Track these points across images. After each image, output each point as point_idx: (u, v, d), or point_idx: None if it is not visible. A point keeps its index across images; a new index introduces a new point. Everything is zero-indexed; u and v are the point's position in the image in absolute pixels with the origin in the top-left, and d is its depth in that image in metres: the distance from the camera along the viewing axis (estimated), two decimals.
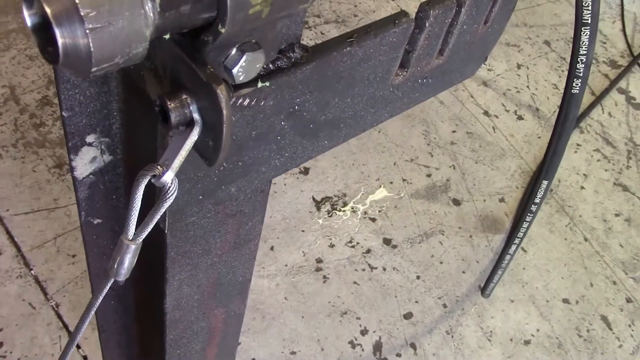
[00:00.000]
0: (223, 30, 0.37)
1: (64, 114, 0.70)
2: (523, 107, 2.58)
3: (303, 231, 1.99)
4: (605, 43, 2.98)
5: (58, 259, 1.77)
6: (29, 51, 2.26)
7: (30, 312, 1.66)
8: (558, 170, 2.41)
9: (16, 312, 1.65)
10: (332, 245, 1.98)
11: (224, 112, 0.40)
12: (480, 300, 1.96)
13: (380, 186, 2.17)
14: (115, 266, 0.45)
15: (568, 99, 0.99)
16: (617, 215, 2.29)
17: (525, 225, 1.59)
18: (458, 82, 0.75)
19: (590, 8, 0.76)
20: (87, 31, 0.32)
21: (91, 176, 0.79)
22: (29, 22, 0.34)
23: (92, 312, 0.48)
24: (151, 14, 0.34)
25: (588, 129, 2.58)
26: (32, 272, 1.74)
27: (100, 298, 0.46)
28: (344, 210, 2.08)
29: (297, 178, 2.12)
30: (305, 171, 2.15)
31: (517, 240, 1.69)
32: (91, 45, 0.32)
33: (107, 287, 0.46)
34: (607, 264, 2.14)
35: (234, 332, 0.95)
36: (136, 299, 0.89)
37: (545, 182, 1.35)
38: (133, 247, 0.45)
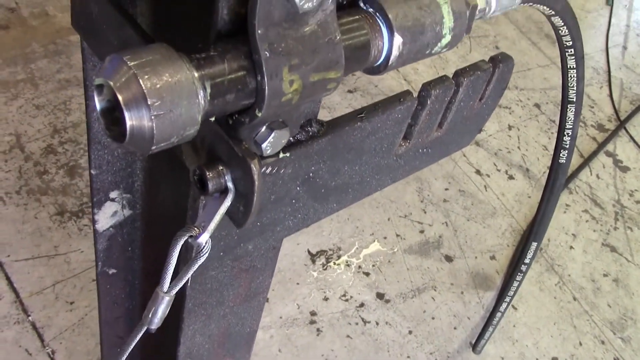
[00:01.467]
0: (259, 114, 0.44)
1: (92, 171, 0.76)
2: (514, 167, 2.66)
3: (298, 284, 2.03)
4: (593, 107, 3.09)
5: (56, 305, 1.79)
6: (36, 100, 2.32)
7: (26, 359, 1.67)
8: (548, 230, 2.47)
9: (12, 359, 1.66)
10: (326, 299, 2.01)
11: (256, 182, 0.46)
12: (471, 356, 1.98)
13: (374, 241, 2.22)
14: (150, 316, 0.50)
15: (556, 168, 1.07)
16: (605, 275, 2.34)
17: (515, 284, 1.65)
18: (455, 151, 0.82)
19: (575, 88, 0.84)
20: (152, 117, 0.38)
21: (111, 229, 0.84)
22: (99, 106, 0.40)
23: (124, 358, 0.52)
24: (203, 102, 0.40)
25: (577, 190, 2.66)
26: (29, 318, 1.75)
27: (133, 344, 0.51)
28: (339, 264, 2.12)
29: None
30: None
31: (507, 299, 1.73)
32: (154, 128, 0.38)
33: (140, 335, 0.50)
34: (595, 323, 2.18)
35: None
36: (145, 346, 0.93)
37: (534, 244, 1.42)
38: (167, 298, 0.50)
